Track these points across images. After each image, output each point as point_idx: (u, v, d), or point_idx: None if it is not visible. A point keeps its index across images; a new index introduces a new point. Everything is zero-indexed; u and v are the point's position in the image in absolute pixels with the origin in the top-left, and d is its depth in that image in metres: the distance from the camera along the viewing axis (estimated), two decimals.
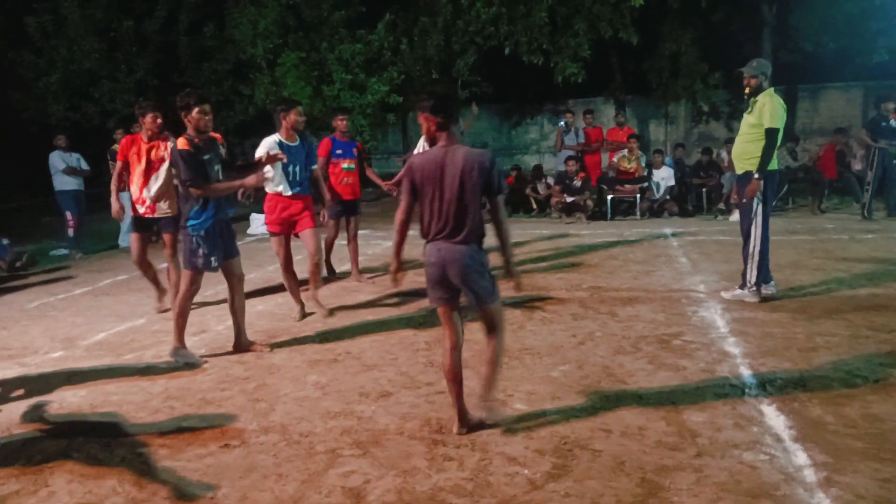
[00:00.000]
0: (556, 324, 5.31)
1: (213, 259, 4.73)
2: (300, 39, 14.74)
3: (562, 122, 12.46)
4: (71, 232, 9.69)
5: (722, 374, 4.10)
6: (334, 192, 6.97)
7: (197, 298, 5.31)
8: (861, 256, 7.39)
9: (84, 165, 9.97)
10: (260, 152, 5.64)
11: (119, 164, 6.09)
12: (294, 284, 5.98)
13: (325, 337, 5.26)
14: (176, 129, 5.09)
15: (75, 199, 9.75)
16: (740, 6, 15.59)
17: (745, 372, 4.11)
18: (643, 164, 12.04)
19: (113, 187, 6.31)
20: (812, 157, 12.39)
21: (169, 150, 5.75)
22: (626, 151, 12.01)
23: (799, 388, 3.81)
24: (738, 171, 5.75)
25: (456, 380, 3.42)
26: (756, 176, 5.53)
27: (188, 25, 15.23)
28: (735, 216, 9.79)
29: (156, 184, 5.93)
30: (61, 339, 5.64)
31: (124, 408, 4.01)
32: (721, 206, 11.59)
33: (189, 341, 5.35)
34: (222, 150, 4.86)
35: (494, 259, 3.40)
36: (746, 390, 3.83)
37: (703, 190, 12.03)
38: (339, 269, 7.55)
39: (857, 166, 11.43)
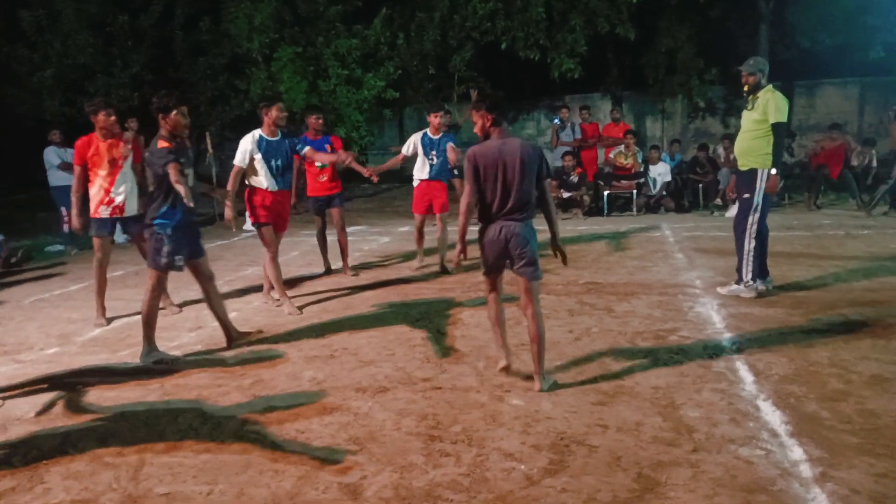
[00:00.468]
0: (552, 319, 5.31)
1: (177, 258, 4.73)
2: (296, 34, 14.68)
3: (556, 120, 12.46)
4: (66, 228, 9.65)
5: (718, 369, 4.11)
6: (308, 189, 7.27)
7: (191, 294, 5.30)
8: (857, 252, 7.40)
9: None
10: (241, 148, 5.85)
11: (79, 168, 5.72)
12: (280, 277, 6.08)
13: (321, 333, 5.26)
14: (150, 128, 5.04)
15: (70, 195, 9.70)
16: (737, 2, 15.58)
17: (742, 367, 4.12)
18: (640, 160, 12.04)
19: (75, 198, 5.80)
20: (808, 153, 12.40)
21: (127, 147, 5.82)
22: (622, 147, 12.01)
23: (795, 384, 3.82)
24: (742, 168, 5.75)
25: (499, 324, 4.09)
26: (773, 172, 5.55)
27: (184, 20, 15.16)
28: (731, 212, 9.80)
29: (123, 182, 5.79)
30: (57, 335, 5.62)
31: (119, 403, 4.00)
32: (717, 201, 11.61)
33: (185, 338, 5.35)
34: (191, 155, 4.95)
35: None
36: (742, 386, 3.84)
37: (700, 186, 12.04)
38: (333, 265, 7.55)
39: (854, 162, 11.44)
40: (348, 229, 7.81)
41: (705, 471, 2.92)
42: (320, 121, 7.26)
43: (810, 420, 3.37)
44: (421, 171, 7.34)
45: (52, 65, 14.30)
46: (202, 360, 4.75)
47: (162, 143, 4.61)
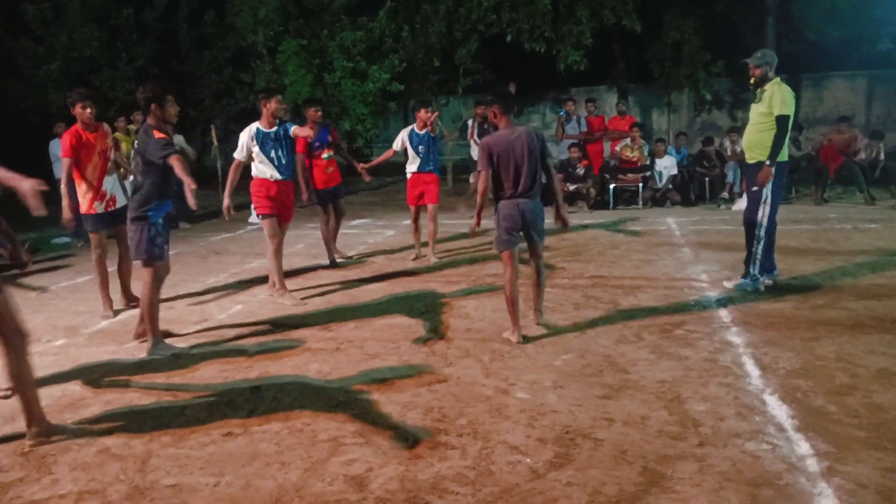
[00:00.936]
0: (558, 313, 5.30)
1: (167, 248, 4.81)
2: (301, 27, 14.65)
3: (562, 112, 12.41)
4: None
5: (724, 363, 4.10)
6: (316, 182, 7.37)
7: (196, 288, 5.30)
8: (864, 246, 7.37)
9: None
10: (240, 141, 5.98)
11: (68, 161, 5.61)
12: (281, 269, 6.13)
13: (326, 325, 5.27)
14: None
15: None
16: None
17: (748, 361, 4.11)
18: (645, 154, 12.00)
19: (65, 189, 5.72)
20: (815, 146, 12.34)
21: (111, 137, 5.91)
22: (628, 140, 11.96)
23: (801, 378, 3.81)
24: (750, 161, 5.73)
25: (514, 302, 4.67)
26: (767, 163, 5.52)
27: (188, 13, 15.13)
28: (738, 205, 9.77)
29: (111, 174, 5.81)
30: (64, 327, 5.65)
31: (127, 396, 4.02)
32: (724, 195, 11.56)
33: (190, 330, 5.36)
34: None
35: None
36: (749, 380, 3.83)
37: (706, 179, 12.00)
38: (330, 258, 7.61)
39: (862, 155, 11.37)
40: (354, 222, 7.85)
41: (711, 465, 2.92)
42: (319, 113, 7.38)
43: (817, 414, 3.36)
44: (411, 165, 7.69)
45: (58, 58, 14.30)
46: (207, 353, 4.76)
47: (158, 134, 4.62)
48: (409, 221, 8.46)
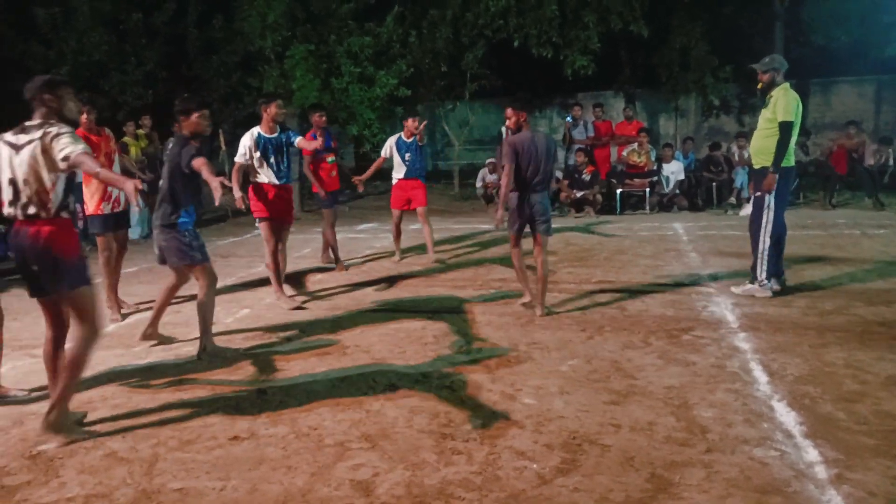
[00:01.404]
0: (564, 318, 5.30)
1: (205, 250, 4.84)
2: (309, 32, 14.69)
3: (569, 118, 12.42)
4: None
5: (732, 369, 4.08)
6: (324, 184, 7.60)
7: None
8: (873, 252, 7.33)
9: None
10: (242, 145, 6.09)
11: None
12: (278, 273, 6.22)
13: (333, 330, 5.27)
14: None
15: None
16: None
17: (756, 367, 4.09)
18: (653, 159, 11.98)
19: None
20: (823, 151, 12.30)
21: (112, 140, 6.06)
22: (635, 145, 11.96)
23: (810, 384, 3.79)
24: (756, 166, 5.74)
25: (521, 270, 5.55)
26: (771, 170, 5.51)
27: (197, 17, 15.21)
28: (745, 211, 9.75)
29: None
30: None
31: (134, 399, 4.03)
32: (732, 200, 11.54)
33: (196, 334, 5.37)
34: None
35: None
36: (757, 386, 3.81)
37: (714, 184, 11.97)
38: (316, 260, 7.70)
39: (870, 161, 11.33)
40: (361, 226, 7.93)
41: (719, 471, 2.90)
42: (324, 118, 7.67)
43: (825, 421, 3.34)
44: (398, 172, 7.94)
45: (67, 62, 14.38)
46: (215, 357, 4.76)
47: (194, 142, 4.75)
48: (416, 226, 8.50)
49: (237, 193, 5.71)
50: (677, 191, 11.74)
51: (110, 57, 14.53)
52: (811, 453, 3.02)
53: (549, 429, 3.37)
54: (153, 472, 3.12)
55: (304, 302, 6.17)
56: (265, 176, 6.04)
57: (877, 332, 4.66)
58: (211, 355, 4.71)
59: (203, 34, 15.31)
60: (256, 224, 6.31)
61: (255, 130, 6.07)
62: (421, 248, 8.49)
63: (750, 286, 5.74)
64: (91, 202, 5.81)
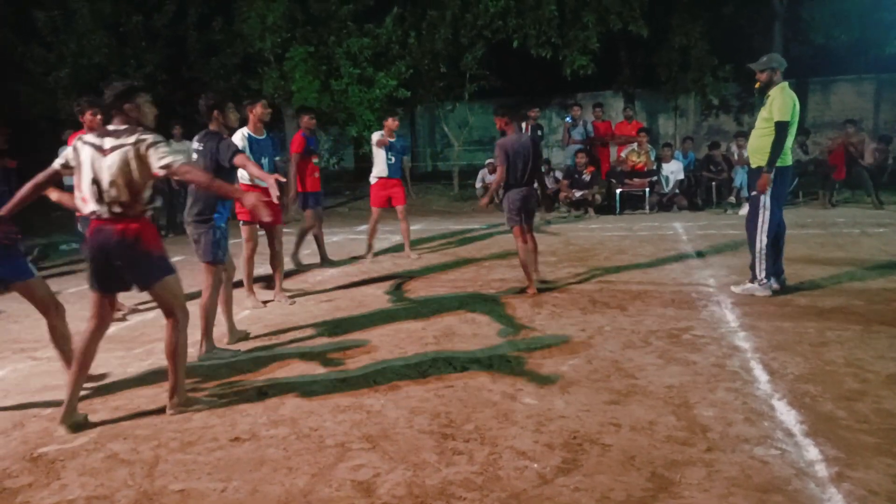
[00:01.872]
0: (564, 318, 5.30)
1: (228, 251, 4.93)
2: (308, 34, 14.71)
3: (568, 118, 12.42)
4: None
5: (732, 368, 4.08)
6: (305, 186, 7.65)
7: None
8: (872, 251, 7.34)
9: None
10: (238, 144, 5.98)
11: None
12: (252, 274, 6.36)
13: (333, 330, 5.27)
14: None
15: None
16: None
17: (756, 366, 4.09)
18: (652, 158, 11.99)
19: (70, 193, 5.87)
20: (823, 150, 12.30)
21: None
22: (635, 145, 11.96)
23: (810, 383, 3.79)
24: (753, 166, 5.75)
25: (526, 265, 6.18)
26: (765, 170, 5.51)
27: (197, 20, 15.22)
28: (744, 210, 9.75)
29: None
30: (73, 332, 5.66)
31: (135, 401, 4.03)
32: (731, 199, 11.54)
33: (197, 335, 5.37)
34: None
35: None
36: (757, 385, 3.81)
37: (713, 184, 11.98)
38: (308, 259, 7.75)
39: (869, 160, 11.34)
40: (361, 227, 7.96)
41: (720, 470, 2.90)
42: (313, 121, 7.79)
43: (826, 420, 3.34)
44: (381, 170, 8.10)
45: (68, 65, 14.39)
46: (215, 361, 4.77)
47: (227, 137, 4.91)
48: (417, 227, 8.53)
49: (291, 192, 5.82)
50: (677, 190, 11.74)
51: (110, 59, 14.53)
52: (812, 452, 3.02)
53: (550, 428, 3.38)
54: (154, 474, 3.12)
55: (293, 297, 6.36)
56: (249, 177, 6.03)
57: (877, 330, 4.66)
58: (211, 357, 4.72)
59: (203, 36, 15.33)
60: (241, 226, 6.31)
61: (245, 130, 6.07)
62: (425, 251, 8.49)
63: (750, 285, 5.74)
64: (80, 204, 5.79)
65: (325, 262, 7.96)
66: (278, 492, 2.91)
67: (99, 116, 5.75)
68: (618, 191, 11.77)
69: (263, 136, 6.16)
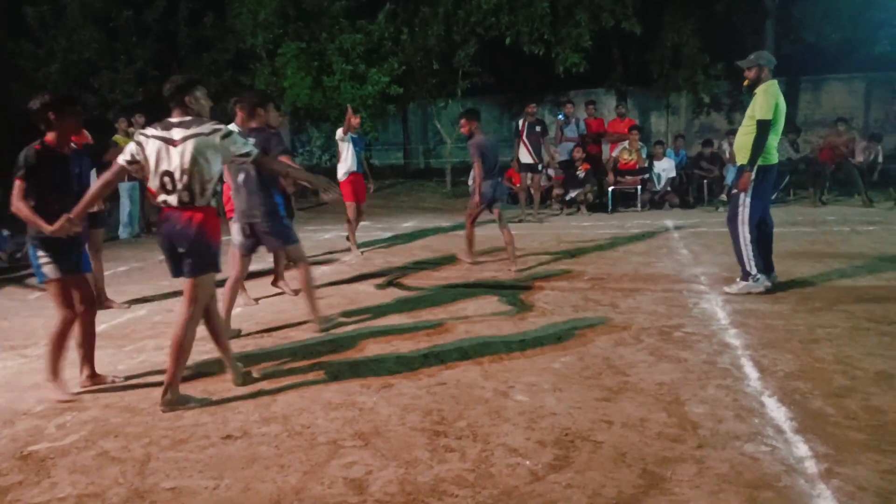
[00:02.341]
0: (556, 315, 5.31)
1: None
2: (300, 29, 14.66)
3: (561, 116, 12.43)
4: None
5: (723, 365, 4.10)
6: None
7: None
8: (862, 248, 7.38)
9: None
10: None
11: None
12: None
13: (325, 328, 5.26)
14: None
15: None
16: None
17: (746, 363, 4.11)
18: (644, 156, 12.01)
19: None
20: (813, 148, 12.36)
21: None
22: (626, 144, 11.98)
23: (800, 380, 3.82)
24: (738, 163, 5.77)
25: (507, 241, 7.08)
26: (746, 168, 5.53)
27: (188, 15, 15.15)
28: None
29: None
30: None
31: (126, 399, 4.02)
32: (723, 197, 11.58)
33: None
34: None
35: None
36: (747, 382, 3.84)
37: (705, 182, 12.02)
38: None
39: (859, 158, 11.40)
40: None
41: (710, 467, 2.92)
42: (285, 117, 8.17)
43: (816, 416, 3.36)
44: (350, 166, 8.31)
45: (57, 60, 14.30)
46: (207, 358, 4.76)
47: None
48: (409, 224, 8.53)
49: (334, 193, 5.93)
50: (668, 188, 11.78)
51: (100, 55, 14.45)
52: (801, 448, 3.04)
53: (542, 425, 3.39)
54: (146, 472, 3.11)
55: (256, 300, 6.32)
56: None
57: (866, 328, 4.69)
58: (328, 324, 5.24)
59: (194, 32, 15.26)
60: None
61: (234, 128, 6.05)
62: (418, 249, 8.50)
63: (744, 283, 5.75)
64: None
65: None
66: (270, 489, 2.91)
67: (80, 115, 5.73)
68: (610, 188, 11.79)
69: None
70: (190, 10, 15.10)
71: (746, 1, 15.54)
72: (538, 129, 10.74)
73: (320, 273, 7.40)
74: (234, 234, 5.14)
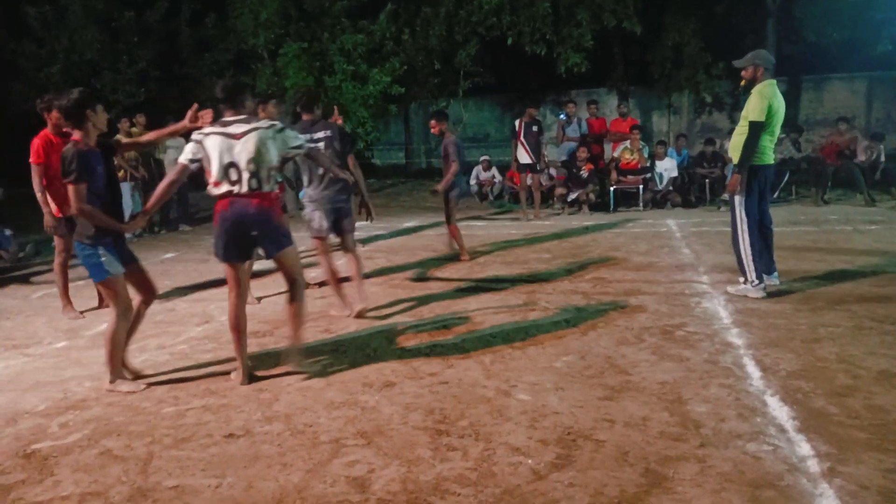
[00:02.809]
0: (559, 314, 5.31)
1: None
2: (302, 30, 14.68)
3: (562, 115, 12.42)
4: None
5: (725, 364, 4.10)
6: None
7: (197, 289, 5.31)
8: (864, 247, 7.37)
9: None
10: None
11: (39, 167, 5.67)
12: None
13: (327, 327, 5.27)
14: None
15: None
16: None
17: (749, 363, 4.11)
18: (645, 156, 12.01)
19: (41, 196, 5.78)
20: (815, 147, 12.35)
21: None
22: (627, 143, 11.97)
23: (802, 379, 3.82)
24: (734, 164, 5.77)
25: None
26: (735, 170, 5.52)
27: (190, 15, 15.18)
28: None
29: None
30: (65, 329, 5.65)
31: (129, 398, 4.02)
32: (724, 196, 11.57)
33: (192, 332, 5.37)
34: None
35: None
36: (750, 381, 3.83)
37: (707, 181, 12.01)
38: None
39: (861, 157, 11.38)
40: (356, 224, 7.94)
41: (712, 466, 2.92)
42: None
43: (818, 415, 3.36)
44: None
45: (59, 61, 14.32)
46: (210, 357, 4.77)
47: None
48: (410, 223, 8.53)
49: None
50: (670, 187, 11.77)
51: (102, 55, 14.48)
52: (804, 447, 3.04)
53: (544, 424, 3.39)
54: (148, 470, 3.12)
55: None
56: None
57: (869, 327, 4.69)
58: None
59: (196, 32, 15.29)
60: None
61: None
62: (419, 248, 8.50)
63: (743, 286, 5.72)
64: (55, 203, 5.74)
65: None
66: (272, 488, 2.91)
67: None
68: (612, 188, 11.78)
69: None
70: (192, 10, 15.12)
71: (747, 1, 15.52)
72: (535, 128, 10.74)
73: (319, 274, 7.40)
74: (317, 220, 5.47)
